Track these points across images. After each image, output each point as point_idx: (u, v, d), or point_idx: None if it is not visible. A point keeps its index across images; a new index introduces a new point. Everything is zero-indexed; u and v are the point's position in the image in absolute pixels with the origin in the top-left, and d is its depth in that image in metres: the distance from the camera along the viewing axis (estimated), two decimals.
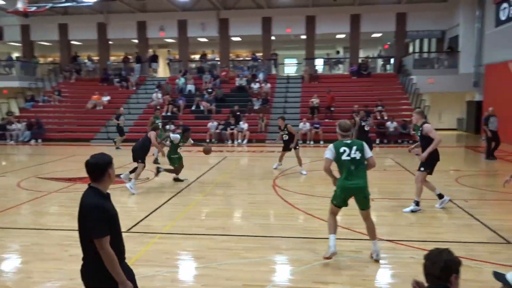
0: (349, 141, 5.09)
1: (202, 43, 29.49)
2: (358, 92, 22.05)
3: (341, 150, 5.02)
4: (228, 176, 11.19)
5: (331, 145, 5.13)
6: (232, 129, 19.20)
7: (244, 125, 19.23)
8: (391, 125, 18.65)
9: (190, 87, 23.10)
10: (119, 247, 2.95)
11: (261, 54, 26.55)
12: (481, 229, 6.36)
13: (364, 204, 5.12)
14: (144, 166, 9.51)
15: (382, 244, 5.77)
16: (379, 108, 19.99)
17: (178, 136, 10.21)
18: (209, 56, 26.84)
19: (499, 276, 2.25)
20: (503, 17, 17.07)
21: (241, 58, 31.17)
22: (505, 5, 16.77)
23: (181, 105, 21.34)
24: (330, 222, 5.22)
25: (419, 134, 7.42)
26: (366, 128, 13.19)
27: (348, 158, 4.99)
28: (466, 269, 4.87)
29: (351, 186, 5.01)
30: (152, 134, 9.67)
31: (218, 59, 26.25)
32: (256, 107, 20.90)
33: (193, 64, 27.33)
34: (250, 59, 26.96)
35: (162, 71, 30.22)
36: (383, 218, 7.12)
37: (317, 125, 18.89)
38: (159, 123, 13.41)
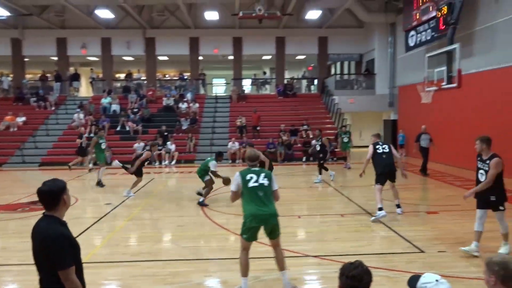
0: (257, 169, 4.94)
1: (128, 61, 28.74)
2: (284, 112, 22.73)
3: (248, 177, 4.81)
4: (156, 198, 10.88)
5: (237, 173, 4.90)
6: (159, 149, 18.77)
7: (172, 145, 18.90)
8: (316, 143, 19.35)
9: (115, 107, 22.31)
10: (82, 277, 2.83)
11: (189, 73, 26.47)
12: (398, 240, 6.78)
13: (275, 232, 4.84)
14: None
15: (309, 260, 5.92)
16: (305, 127, 20.74)
17: (215, 162, 9.98)
18: (135, 75, 26.21)
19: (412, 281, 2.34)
20: (411, 43, 18.70)
21: (168, 78, 30.86)
22: (413, 32, 18.41)
23: (105, 126, 20.48)
24: (242, 261, 4.83)
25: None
26: (317, 148, 13.51)
27: (256, 184, 4.77)
28: (386, 279, 5.15)
29: (264, 213, 4.70)
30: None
31: (145, 78, 25.72)
32: (184, 127, 20.69)
33: (118, 83, 26.48)
34: (177, 78, 26.76)
35: (84, 90, 28.88)
36: (309, 235, 7.32)
37: (245, 145, 19.09)
38: (103, 143, 13.09)
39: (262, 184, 4.77)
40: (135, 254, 6.27)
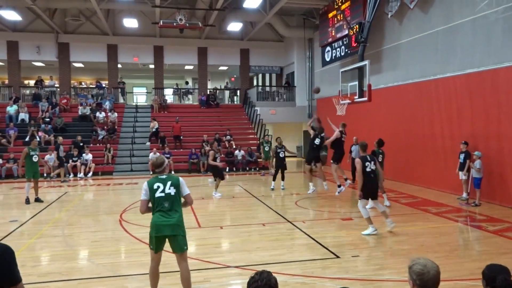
0: (164, 176, 4.88)
1: (38, 67, 26.81)
2: (208, 122, 22.70)
3: (155, 186, 4.78)
4: (69, 213, 10.19)
5: (145, 183, 4.87)
6: (74, 161, 17.69)
7: (88, 156, 17.91)
8: (239, 154, 19.60)
9: (23, 115, 20.62)
10: None
11: (106, 82, 25.37)
12: (316, 247, 7.06)
13: (178, 245, 4.74)
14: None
15: (231, 271, 5.93)
16: (228, 137, 20.87)
17: None
18: (47, 82, 24.48)
19: None
20: (327, 58, 19.77)
21: (84, 86, 29.31)
22: (328, 48, 19.49)
23: (12, 136, 18.83)
24: (150, 273, 4.81)
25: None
26: (281, 155, 13.59)
27: (163, 194, 4.74)
28: (302, 285, 5.32)
29: (164, 223, 4.66)
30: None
31: (58, 85, 24.13)
32: (101, 137, 19.72)
33: (27, 90, 24.55)
34: (94, 86, 25.51)
35: None
36: (231, 245, 7.33)
37: (168, 155, 18.70)
38: (35, 155, 11.46)
39: (168, 194, 4.74)
40: (43, 275, 5.81)
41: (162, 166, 4.97)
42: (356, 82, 14.96)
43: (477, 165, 10.40)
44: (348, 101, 15.65)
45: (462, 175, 11.15)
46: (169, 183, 4.79)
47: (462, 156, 11.12)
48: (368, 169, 7.77)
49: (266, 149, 17.92)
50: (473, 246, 7.45)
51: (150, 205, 4.84)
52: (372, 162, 7.89)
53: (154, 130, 20.57)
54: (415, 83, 14.30)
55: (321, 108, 21.88)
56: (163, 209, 4.71)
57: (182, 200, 4.89)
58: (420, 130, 14.01)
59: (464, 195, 11.16)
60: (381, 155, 10.99)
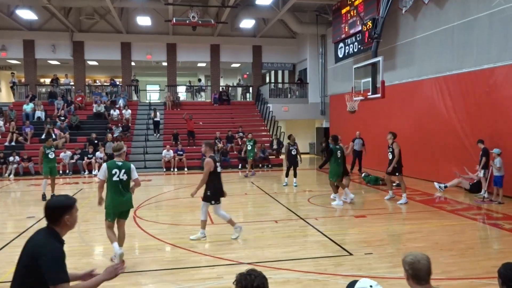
0: (120, 163, 6.13)
1: (54, 66, 27.21)
2: (220, 119, 22.76)
3: (113, 172, 6.03)
4: (84, 210, 10.31)
5: (104, 165, 6.12)
6: (89, 158, 17.91)
7: (102, 154, 18.12)
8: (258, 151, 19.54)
9: (39, 113, 20.95)
10: None
11: (120, 79, 25.61)
12: (329, 244, 7.04)
13: (126, 215, 6.31)
14: None
15: (244, 268, 5.94)
16: (240, 134, 20.88)
17: None
18: (63, 80, 24.83)
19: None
20: (340, 54, 19.63)
21: (98, 83, 29.64)
22: (341, 44, 19.35)
23: (28, 133, 19.16)
24: (109, 234, 6.14)
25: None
26: (293, 153, 13.61)
27: (117, 179, 6.04)
28: (315, 282, 5.32)
29: (122, 202, 6.08)
30: None
31: (73, 83, 24.46)
32: (115, 135, 19.93)
33: (43, 89, 24.93)
34: (108, 84, 25.77)
35: (4, 95, 26.87)
36: (244, 242, 7.36)
37: (181, 152, 18.83)
38: (51, 152, 11.61)
39: (122, 179, 6.07)
40: None
41: (120, 151, 6.21)
42: (370, 79, 14.88)
43: (497, 164, 10.16)
44: (361, 97, 15.57)
45: (480, 173, 11.00)
46: (123, 170, 6.07)
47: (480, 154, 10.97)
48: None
49: (249, 147, 16.71)
50: (489, 244, 7.35)
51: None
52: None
53: (155, 119, 20.82)
54: (430, 79, 14.12)
55: (334, 105, 21.77)
56: (118, 190, 6.03)
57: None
58: (435, 126, 13.84)
59: (482, 192, 11.00)
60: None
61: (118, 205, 6.08)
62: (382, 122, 16.55)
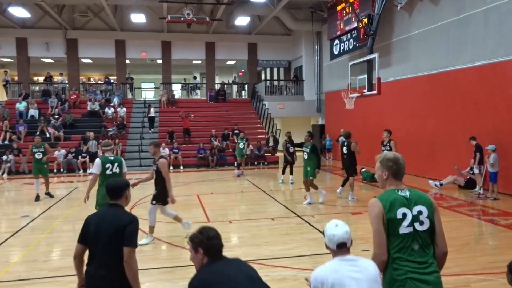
0: (112, 158, 6.70)
1: (47, 64, 27.02)
2: (216, 117, 22.72)
3: (106, 166, 6.58)
4: (79, 209, 10.25)
5: (98, 160, 6.62)
6: (83, 157, 17.81)
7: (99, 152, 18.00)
8: (247, 149, 19.54)
9: (33, 112, 20.81)
10: None
11: (115, 77, 25.49)
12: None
13: None
14: None
15: None
16: (236, 131, 20.83)
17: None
18: (58, 78, 24.65)
19: None
20: (336, 51, 19.63)
21: (93, 82, 29.50)
22: (337, 41, 19.34)
23: (22, 132, 19.03)
24: None
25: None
26: (291, 150, 13.67)
27: (110, 172, 6.57)
28: None
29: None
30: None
31: (67, 81, 24.30)
32: (110, 133, 19.84)
33: (36, 87, 24.75)
34: (103, 82, 25.64)
35: None
36: (241, 240, 7.34)
37: (176, 150, 18.77)
38: (38, 152, 11.35)
39: (115, 173, 6.59)
40: (54, 269, 5.88)
41: (109, 146, 6.84)
42: (365, 76, 14.90)
43: (491, 160, 10.21)
44: (357, 94, 15.59)
45: (475, 169, 11.05)
46: (116, 164, 6.65)
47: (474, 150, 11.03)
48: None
49: (241, 146, 16.11)
50: (485, 241, 7.38)
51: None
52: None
53: (150, 116, 20.90)
54: (425, 76, 14.14)
55: (330, 102, 21.79)
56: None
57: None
58: (431, 123, 13.87)
59: (477, 188, 11.05)
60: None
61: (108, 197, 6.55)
62: (378, 119, 16.57)
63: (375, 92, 14.43)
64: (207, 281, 2.45)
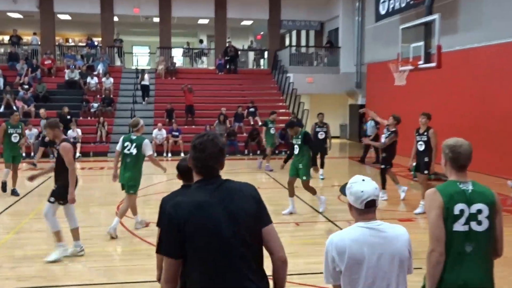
0: (134, 137, 7.79)
1: (15, 20, 27.20)
2: (226, 92, 22.72)
3: (125, 144, 7.74)
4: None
5: (122, 137, 7.97)
6: None
7: (75, 133, 18.17)
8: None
9: None
10: None
11: (100, 39, 25.60)
12: None
13: (127, 190, 7.95)
14: None
15: None
16: (252, 110, 20.76)
17: None
18: (26, 38, 24.87)
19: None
20: (383, 11, 19.32)
21: (72, 44, 29.70)
22: None
23: None
24: (132, 206, 8.14)
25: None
26: (320, 136, 13.59)
27: (128, 152, 7.70)
28: None
29: (123, 175, 7.84)
30: None
31: (39, 43, 24.52)
32: (94, 109, 20.00)
33: (1, 49, 25.04)
34: (85, 45, 25.80)
35: None
36: None
37: (176, 133, 18.82)
38: (15, 134, 11.27)
39: (131, 153, 7.72)
40: (23, 279, 5.99)
41: (137, 126, 7.93)
42: (422, 43, 14.65)
43: None
44: (410, 67, 15.34)
45: None
46: (134, 144, 7.70)
47: None
48: None
49: (272, 131, 15.60)
50: None
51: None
52: None
53: (143, 83, 21.17)
54: (502, 45, 13.84)
55: (373, 76, 21.53)
56: (125, 164, 7.81)
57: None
58: (508, 107, 13.59)
59: None
60: None
61: (121, 176, 7.89)
62: (436, 100, 16.31)
63: (433, 64, 14.17)
64: (180, 207, 2.57)
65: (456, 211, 3.02)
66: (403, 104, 17.68)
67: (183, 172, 3.92)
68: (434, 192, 3.10)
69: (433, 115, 15.13)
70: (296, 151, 9.47)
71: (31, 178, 7.25)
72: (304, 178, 9.38)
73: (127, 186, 7.90)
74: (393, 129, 10.53)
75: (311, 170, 9.64)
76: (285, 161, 10.38)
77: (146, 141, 7.86)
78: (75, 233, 6.97)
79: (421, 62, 14.68)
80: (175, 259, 2.53)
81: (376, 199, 2.80)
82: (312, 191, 9.69)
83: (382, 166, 10.78)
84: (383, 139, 10.65)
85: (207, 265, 2.54)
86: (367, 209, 2.78)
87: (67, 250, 6.82)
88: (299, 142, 9.36)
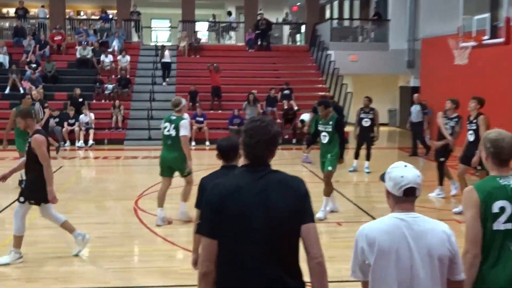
0: (173, 118, 8.25)
1: None
2: (258, 72, 22.70)
3: (165, 125, 8.34)
4: (65, 196, 10.56)
5: (164, 118, 8.63)
6: (71, 124, 18.33)
7: (88, 117, 18.45)
8: (306, 118, 19.29)
9: (1, 58, 21.56)
10: None
11: (115, 11, 25.87)
12: None
13: (181, 172, 8.39)
14: None
15: None
16: (286, 93, 20.70)
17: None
18: (33, 11, 25.31)
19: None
20: None
21: (84, 17, 30.07)
22: None
23: None
24: (159, 194, 8.40)
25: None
26: (366, 123, 13.53)
27: (167, 133, 8.24)
28: None
29: (167, 157, 8.32)
30: None
31: (48, 16, 24.91)
32: (108, 91, 20.27)
33: (6, 23, 25.57)
34: (98, 18, 26.10)
35: None
36: None
37: (201, 119, 18.91)
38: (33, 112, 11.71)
39: (170, 135, 8.21)
40: (32, 280, 6.16)
41: (178, 106, 8.42)
42: (487, 15, 14.37)
43: None
44: (473, 43, 15.09)
45: None
46: (172, 125, 8.17)
47: None
48: None
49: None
50: None
51: None
52: None
53: (164, 61, 21.30)
54: None
55: (429, 54, 21.19)
56: (167, 145, 8.32)
57: None
58: None
59: None
60: None
61: (163, 160, 8.41)
62: (504, 81, 15.98)
63: (501, 40, 13.91)
64: (218, 189, 2.78)
65: (496, 209, 3.11)
66: (464, 86, 17.36)
67: (223, 152, 4.17)
68: (471, 189, 3.23)
69: (499, 100, 14.91)
70: (325, 140, 9.00)
71: (3, 178, 6.94)
72: (330, 168, 8.90)
73: (179, 170, 8.35)
74: (455, 115, 10.31)
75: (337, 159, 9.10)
76: (308, 146, 11.39)
77: (184, 121, 8.29)
78: (67, 225, 6.91)
79: (486, 37, 14.42)
80: (210, 238, 2.70)
81: (416, 187, 2.81)
82: (330, 188, 9.16)
83: (442, 159, 10.56)
84: (446, 130, 10.33)
85: (233, 252, 2.68)
86: (405, 198, 2.81)
87: (20, 259, 6.68)
88: (329, 129, 8.87)
